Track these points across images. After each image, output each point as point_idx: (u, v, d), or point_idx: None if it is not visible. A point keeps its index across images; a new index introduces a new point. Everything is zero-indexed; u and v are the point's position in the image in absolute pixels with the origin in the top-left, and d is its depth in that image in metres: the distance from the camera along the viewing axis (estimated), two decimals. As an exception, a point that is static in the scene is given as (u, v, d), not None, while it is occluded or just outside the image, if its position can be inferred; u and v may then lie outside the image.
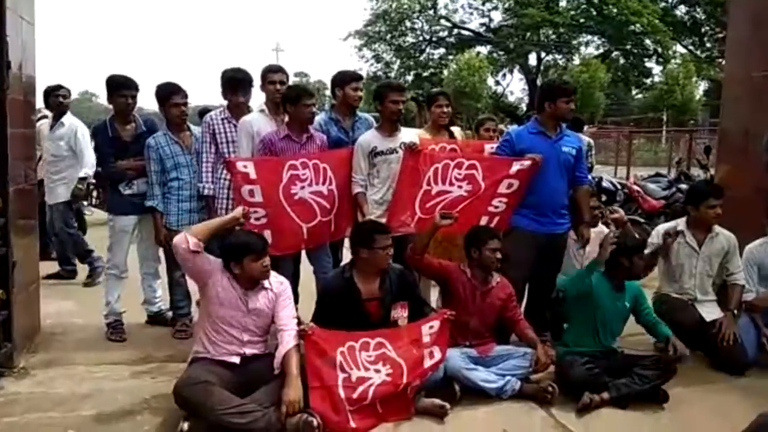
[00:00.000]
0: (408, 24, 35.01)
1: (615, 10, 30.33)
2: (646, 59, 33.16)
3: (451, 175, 3.96)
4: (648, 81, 33.79)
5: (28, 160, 4.16)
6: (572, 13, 32.04)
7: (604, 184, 9.01)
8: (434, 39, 35.55)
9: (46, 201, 5.56)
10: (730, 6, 5.60)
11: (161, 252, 4.44)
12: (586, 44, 34.09)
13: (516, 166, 3.89)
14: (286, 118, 4.00)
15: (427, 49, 35.89)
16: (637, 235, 4.06)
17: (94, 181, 7.28)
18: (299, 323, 3.21)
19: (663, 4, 31.92)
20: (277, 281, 3.31)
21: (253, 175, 3.69)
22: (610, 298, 3.62)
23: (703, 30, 33.44)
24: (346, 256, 4.05)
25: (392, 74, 34.11)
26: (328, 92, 29.79)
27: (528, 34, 32.80)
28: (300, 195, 3.85)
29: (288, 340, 3.08)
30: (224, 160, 4.03)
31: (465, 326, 3.54)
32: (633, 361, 3.52)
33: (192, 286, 4.37)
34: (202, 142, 4.21)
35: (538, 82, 30.23)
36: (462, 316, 3.48)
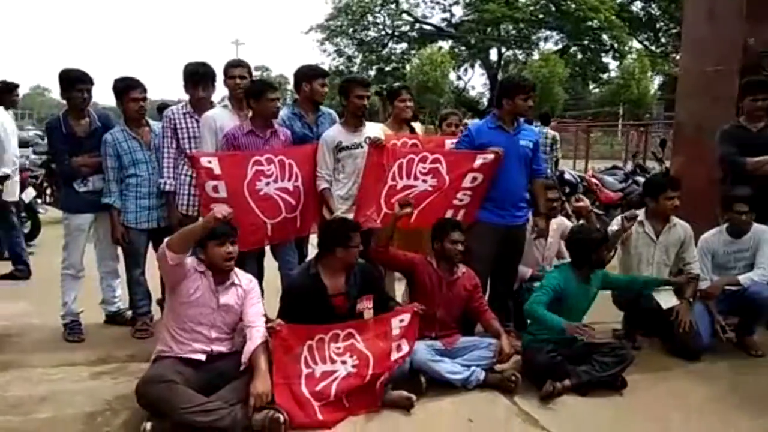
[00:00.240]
0: (370, 18, 35.01)
1: (573, 6, 30.95)
2: (603, 54, 33.95)
3: (415, 169, 3.99)
4: (605, 76, 34.64)
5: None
6: (531, 8, 32.56)
7: (567, 176, 9.23)
8: (396, 33, 35.64)
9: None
10: (685, 2, 5.77)
11: (120, 250, 4.34)
12: (545, 40, 34.75)
13: (480, 160, 3.94)
14: (250, 113, 3.95)
15: (390, 44, 35.98)
16: (599, 226, 4.15)
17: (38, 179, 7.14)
18: (267, 321, 3.20)
19: (619, 0, 32.68)
20: (246, 278, 3.29)
21: (217, 171, 3.64)
22: (579, 289, 3.69)
23: (658, 26, 34.39)
24: (311, 252, 4.03)
25: (354, 69, 34.07)
26: (289, 87, 29.62)
27: (489, 29, 33.18)
28: (265, 191, 3.82)
29: (257, 336, 3.07)
30: (186, 155, 3.96)
31: (431, 317, 3.57)
32: (593, 348, 3.59)
33: (152, 283, 4.32)
34: (163, 137, 4.13)
35: (499, 76, 30.61)
36: (428, 307, 3.52)
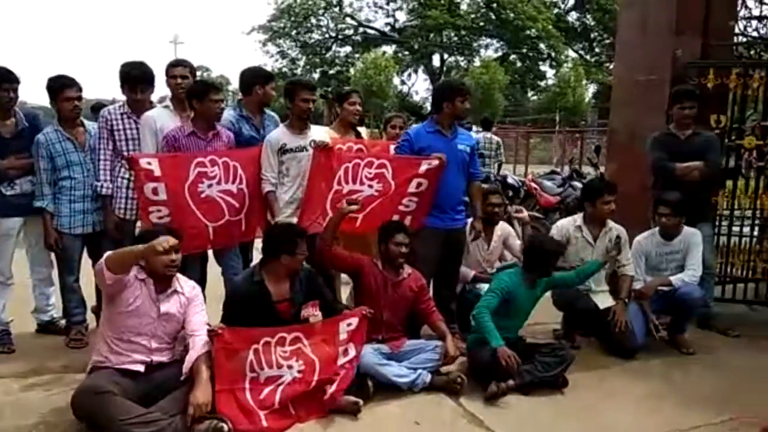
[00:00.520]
0: (313, 21, 34.86)
1: (512, 15, 31.75)
2: (540, 63, 34.99)
3: (361, 174, 3.99)
4: (542, 83, 35.67)
5: None
6: (473, 16, 33.24)
7: (510, 180, 9.47)
8: (340, 37, 35.63)
9: None
10: (619, 14, 6.00)
11: (53, 256, 4.15)
12: (486, 47, 35.55)
13: (424, 166, 3.98)
14: (192, 114, 3.85)
15: (333, 47, 35.93)
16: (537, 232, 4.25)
17: None
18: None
19: (556, 11, 33.78)
20: (189, 285, 3.20)
21: (157, 172, 3.53)
22: (526, 293, 3.77)
23: (592, 36, 35.77)
24: (257, 257, 3.96)
25: (298, 71, 33.84)
26: (231, 88, 29.10)
27: (431, 35, 33.66)
28: (207, 193, 3.73)
29: (200, 345, 2.99)
30: (123, 157, 3.83)
31: (378, 321, 3.58)
32: (535, 349, 3.69)
33: (86, 290, 4.14)
34: (99, 138, 3.98)
35: (442, 81, 30.97)
36: (375, 309, 3.53)
